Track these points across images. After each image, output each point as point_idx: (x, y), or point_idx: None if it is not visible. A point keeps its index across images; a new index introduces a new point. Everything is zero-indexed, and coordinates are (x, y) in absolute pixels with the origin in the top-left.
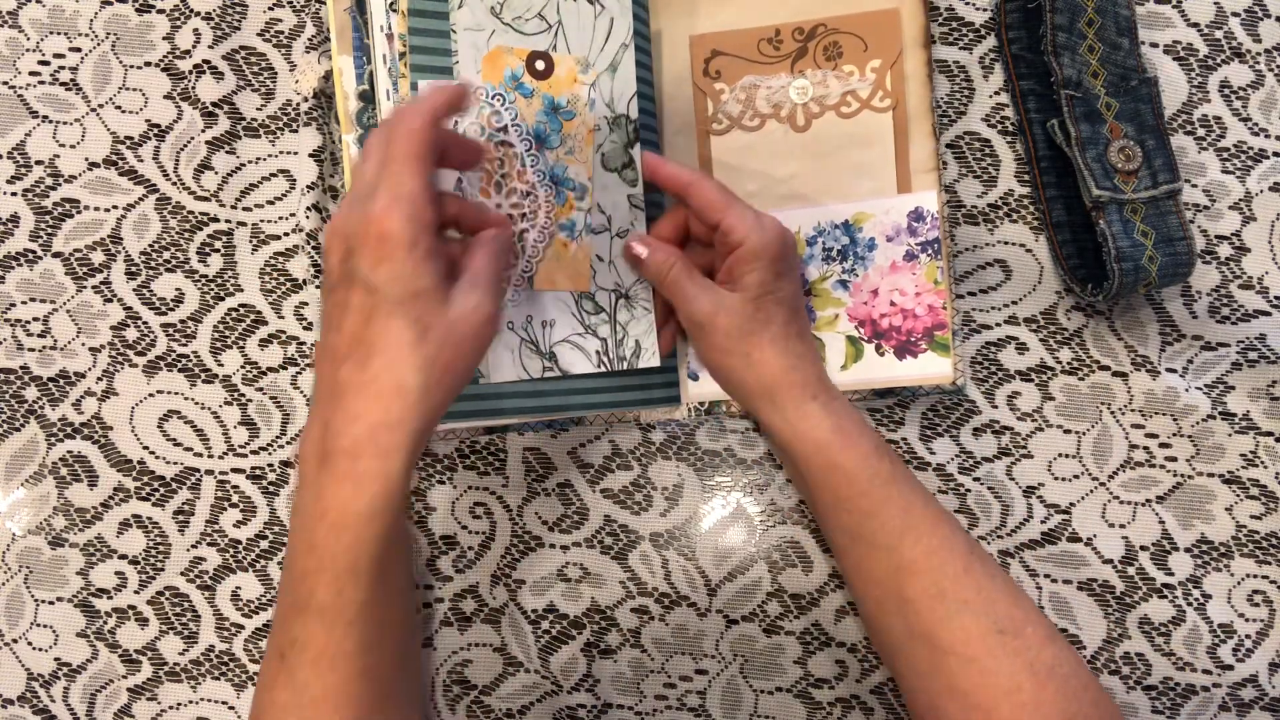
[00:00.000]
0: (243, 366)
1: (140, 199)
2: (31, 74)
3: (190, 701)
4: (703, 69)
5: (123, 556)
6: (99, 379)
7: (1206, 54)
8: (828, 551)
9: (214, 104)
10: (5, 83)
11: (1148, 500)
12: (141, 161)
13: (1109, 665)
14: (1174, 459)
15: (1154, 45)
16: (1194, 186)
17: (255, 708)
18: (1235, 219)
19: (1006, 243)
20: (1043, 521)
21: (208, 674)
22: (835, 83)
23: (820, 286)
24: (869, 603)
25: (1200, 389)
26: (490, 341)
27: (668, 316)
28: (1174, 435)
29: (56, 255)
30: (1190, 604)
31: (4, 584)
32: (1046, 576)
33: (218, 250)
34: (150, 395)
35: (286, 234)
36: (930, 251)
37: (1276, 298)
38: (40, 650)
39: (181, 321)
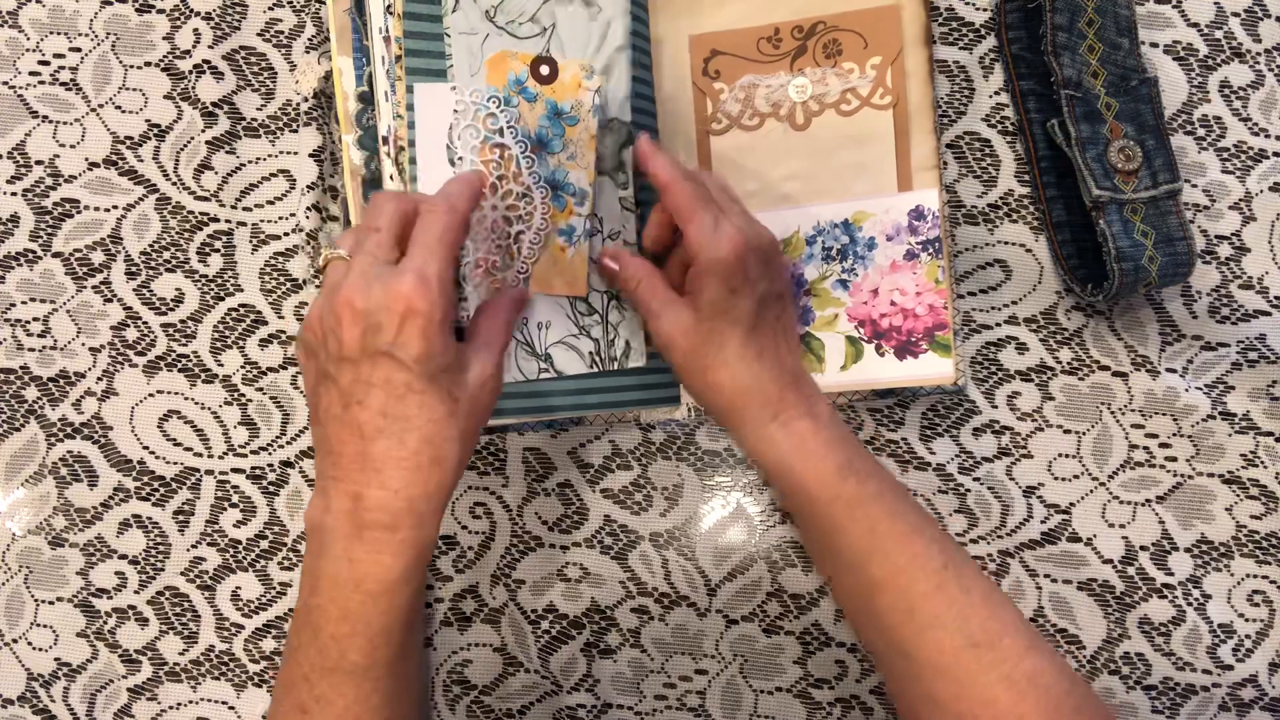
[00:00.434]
0: (243, 366)
1: (140, 199)
2: (31, 74)
3: (190, 701)
4: (702, 68)
5: (123, 556)
6: (99, 379)
7: (1206, 54)
8: None
9: (214, 104)
10: (5, 83)
11: (1148, 500)
12: (141, 161)
13: (1109, 665)
14: (1174, 459)
15: (1154, 45)
16: (1194, 186)
17: None
18: (1235, 219)
19: (1006, 243)
20: (1043, 521)
21: (208, 674)
22: (835, 80)
23: (820, 286)
24: (846, 612)
25: (1200, 389)
26: (496, 401)
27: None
28: (1174, 435)
29: (56, 255)
30: (1190, 604)
31: (4, 584)
32: (1046, 576)
33: (218, 250)
34: (150, 395)
35: (286, 234)
36: (931, 250)
37: (1276, 298)
38: (40, 650)
39: (181, 321)
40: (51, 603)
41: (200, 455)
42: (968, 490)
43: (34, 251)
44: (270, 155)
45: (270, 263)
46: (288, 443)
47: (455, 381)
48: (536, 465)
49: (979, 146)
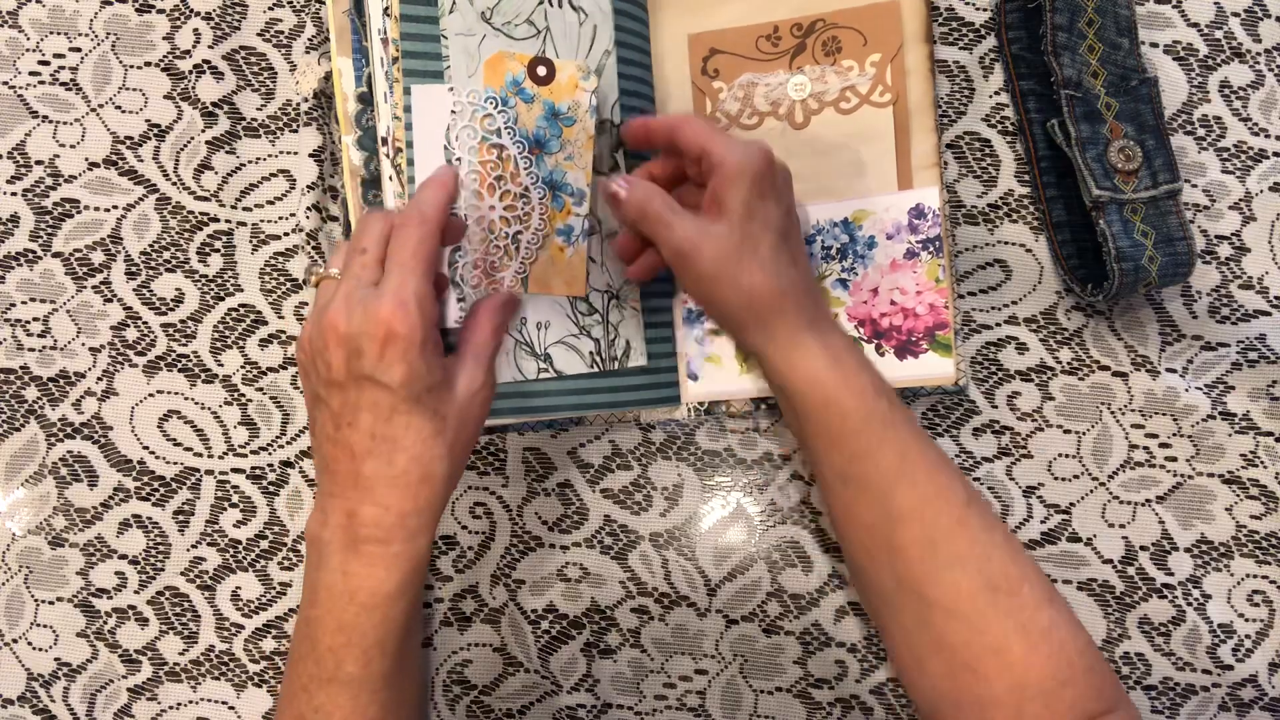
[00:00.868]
0: (243, 366)
1: (140, 199)
2: (31, 74)
3: (190, 701)
4: (701, 67)
5: (123, 556)
6: (99, 379)
7: (1206, 54)
8: (828, 552)
9: (214, 104)
10: (5, 83)
11: (1148, 500)
12: (141, 161)
13: (1109, 665)
14: (1174, 459)
15: (1154, 45)
16: (1194, 186)
17: None
18: (1235, 219)
19: (1006, 243)
20: (1042, 521)
21: (208, 674)
22: (834, 78)
23: (819, 286)
24: (857, 550)
25: (1200, 389)
26: (489, 408)
27: (643, 246)
28: (1174, 435)
29: (56, 255)
30: (1190, 604)
31: (4, 584)
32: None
33: (218, 250)
34: (150, 395)
35: (286, 234)
36: (931, 249)
37: (1276, 298)
38: (40, 650)
39: (181, 321)
40: (51, 603)
41: (200, 455)
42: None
43: (34, 251)
44: (270, 155)
45: (270, 263)
46: (288, 443)
47: (442, 399)
48: (536, 465)
49: (979, 146)
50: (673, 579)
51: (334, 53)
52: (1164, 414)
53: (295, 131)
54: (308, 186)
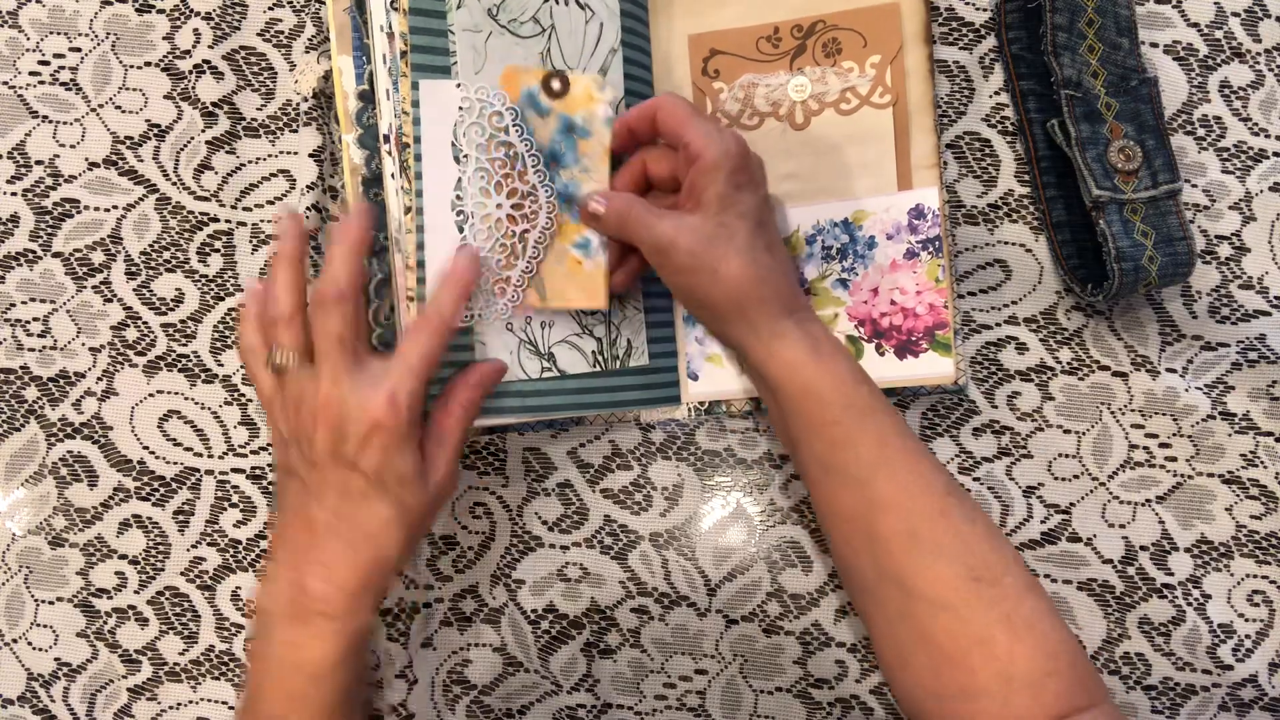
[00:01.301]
0: (243, 366)
1: (140, 199)
2: (31, 74)
3: (190, 701)
4: (701, 68)
5: (123, 556)
6: (99, 379)
7: (1206, 54)
8: (828, 552)
9: (214, 104)
10: (5, 83)
11: (1148, 500)
12: (141, 161)
13: (1109, 665)
14: (1174, 459)
15: (1154, 45)
16: (1194, 186)
17: None
18: (1235, 219)
19: (1006, 243)
20: (1042, 521)
21: (208, 674)
22: (834, 79)
23: (819, 285)
24: (839, 540)
25: (1200, 389)
26: (452, 494)
27: (623, 256)
28: (1174, 435)
29: (56, 255)
30: (1190, 604)
31: (4, 584)
32: (1046, 576)
33: (218, 250)
34: (150, 395)
35: None
36: (931, 249)
37: (1276, 298)
38: (40, 650)
39: (181, 321)
40: (51, 603)
41: (200, 455)
42: (968, 490)
43: (34, 251)
44: (270, 155)
45: (270, 263)
46: None
47: (409, 489)
48: (536, 465)
49: (979, 146)
50: (673, 579)
51: (334, 50)
52: (1164, 414)
53: (295, 131)
54: (307, 186)
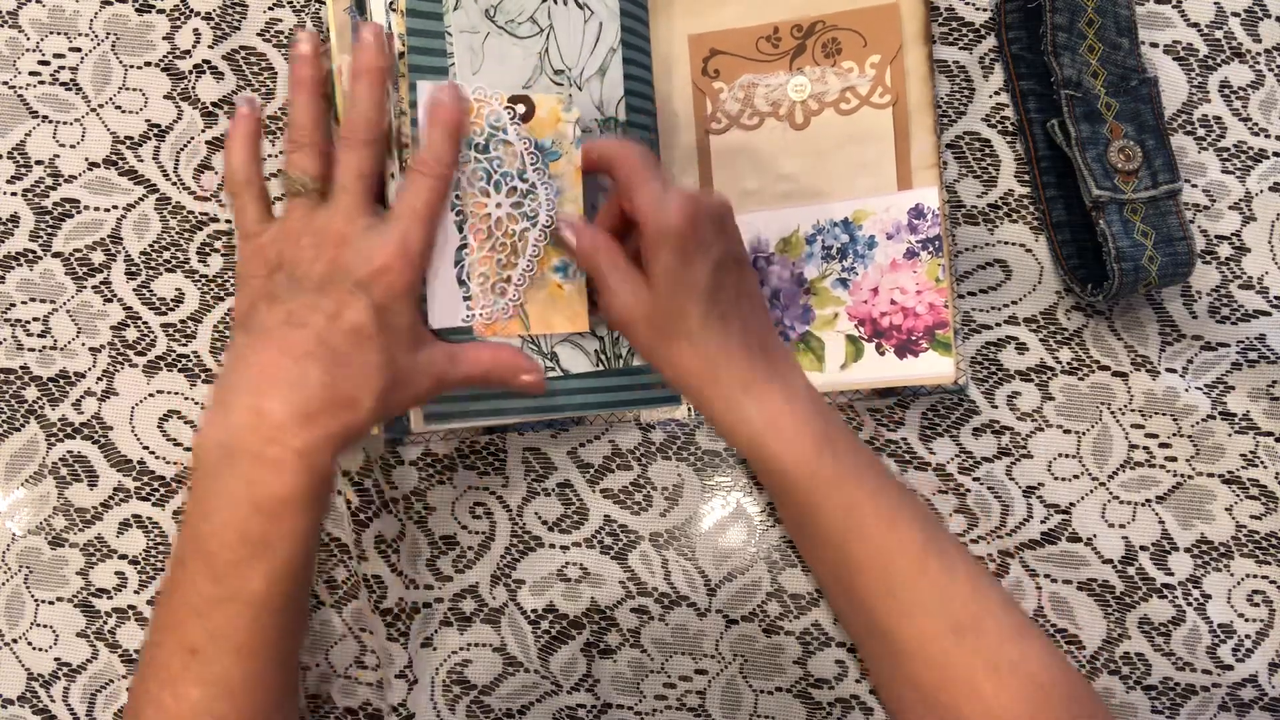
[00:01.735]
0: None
1: (140, 199)
2: (31, 74)
3: None
4: (701, 68)
5: (123, 556)
6: (99, 379)
7: (1206, 54)
8: None
9: (214, 104)
10: (5, 83)
11: (1148, 500)
12: (141, 161)
13: (1109, 665)
14: (1174, 459)
15: (1154, 45)
16: (1194, 186)
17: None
18: (1235, 219)
19: (1006, 243)
20: (1043, 521)
21: None
22: (834, 79)
23: (820, 285)
24: (826, 593)
25: (1200, 389)
26: (426, 400)
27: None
28: (1174, 435)
29: (56, 255)
30: (1190, 604)
31: (4, 584)
32: (1046, 576)
33: (218, 250)
34: (150, 395)
35: None
36: (931, 249)
37: (1276, 298)
38: (40, 650)
39: (181, 321)
40: (51, 603)
41: None
42: (968, 490)
43: (34, 251)
44: (270, 155)
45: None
46: None
47: (400, 345)
48: (536, 465)
49: (979, 146)
50: (673, 579)
51: (334, 50)
52: (1164, 414)
53: None
54: None
